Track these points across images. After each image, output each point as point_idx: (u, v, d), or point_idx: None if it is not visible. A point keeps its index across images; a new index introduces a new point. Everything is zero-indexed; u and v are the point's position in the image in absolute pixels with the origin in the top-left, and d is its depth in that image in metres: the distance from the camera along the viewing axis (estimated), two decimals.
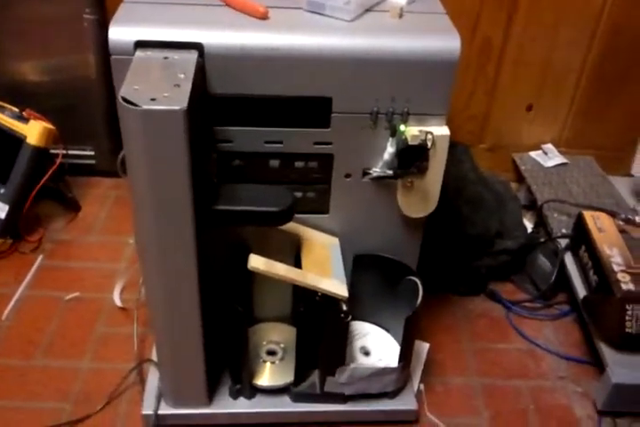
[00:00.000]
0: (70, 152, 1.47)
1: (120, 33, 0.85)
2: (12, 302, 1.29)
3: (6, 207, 1.39)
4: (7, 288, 1.32)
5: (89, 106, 1.53)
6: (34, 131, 1.38)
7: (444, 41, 0.88)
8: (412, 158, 0.93)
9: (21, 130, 1.38)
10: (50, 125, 1.39)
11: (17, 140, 1.38)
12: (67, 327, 1.25)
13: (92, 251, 1.43)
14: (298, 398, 1.08)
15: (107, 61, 0.86)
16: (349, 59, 0.87)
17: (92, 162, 1.61)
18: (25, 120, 1.39)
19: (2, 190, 1.39)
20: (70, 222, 1.51)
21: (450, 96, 0.91)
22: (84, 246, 1.45)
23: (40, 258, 1.40)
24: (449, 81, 0.90)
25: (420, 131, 0.91)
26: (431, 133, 0.91)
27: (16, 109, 1.40)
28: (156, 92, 0.77)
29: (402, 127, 0.92)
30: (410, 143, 0.91)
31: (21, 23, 1.44)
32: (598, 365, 1.20)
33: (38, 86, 1.52)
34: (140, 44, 0.84)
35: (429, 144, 0.91)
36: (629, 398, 1.14)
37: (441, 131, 0.92)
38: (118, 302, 1.29)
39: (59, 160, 1.42)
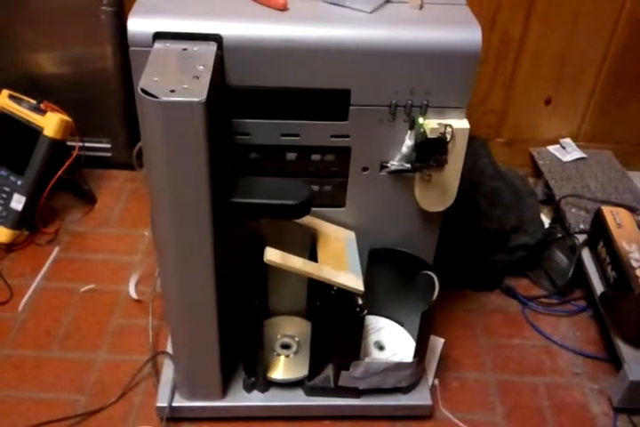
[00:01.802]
0: (86, 144, 1.47)
1: (139, 24, 0.84)
2: (28, 294, 1.30)
3: (23, 199, 1.39)
4: (23, 280, 1.33)
5: (106, 98, 1.53)
6: (51, 123, 1.38)
7: (466, 32, 0.87)
8: (431, 152, 0.92)
9: (38, 122, 1.38)
10: (67, 117, 1.40)
11: (34, 132, 1.39)
12: (82, 319, 1.25)
13: (107, 243, 1.44)
14: (312, 391, 1.08)
15: (124, 54, 0.86)
16: (369, 50, 0.86)
17: (108, 154, 1.61)
18: (42, 112, 1.39)
19: (19, 182, 1.40)
20: (86, 215, 1.51)
21: (471, 89, 0.90)
22: (100, 238, 1.45)
23: (56, 250, 1.40)
24: (470, 73, 0.89)
25: (439, 124, 0.90)
26: (450, 126, 0.90)
27: (33, 101, 1.40)
28: (176, 83, 0.76)
29: (421, 120, 0.91)
30: (429, 136, 0.90)
31: (38, 15, 1.44)
32: (615, 362, 1.19)
33: (55, 78, 1.52)
34: (159, 36, 0.83)
35: (448, 137, 0.90)
36: None
37: (460, 124, 0.91)
38: (134, 295, 1.29)
39: (75, 152, 1.42)
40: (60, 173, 1.41)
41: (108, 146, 1.60)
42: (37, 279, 1.33)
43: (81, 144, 1.43)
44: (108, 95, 1.53)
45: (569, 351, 1.26)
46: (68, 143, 1.43)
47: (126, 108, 1.53)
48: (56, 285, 1.32)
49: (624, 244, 1.23)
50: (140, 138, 0.81)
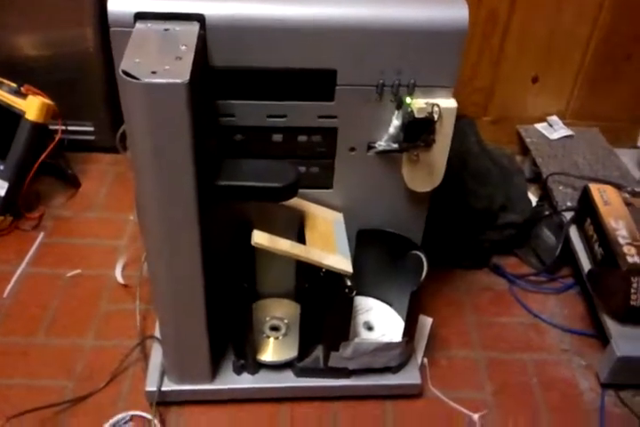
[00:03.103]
0: (69, 128, 1.45)
1: (119, 4, 0.82)
2: (13, 280, 1.29)
3: (6, 184, 1.38)
4: (8, 266, 1.32)
5: (88, 80, 1.51)
6: (32, 106, 1.36)
7: (452, 10, 0.86)
8: (419, 131, 0.91)
9: (20, 105, 1.36)
10: (48, 101, 1.37)
11: (15, 116, 1.37)
12: (69, 305, 1.24)
13: (92, 227, 1.42)
14: (302, 373, 1.08)
15: (105, 35, 0.84)
16: (355, 29, 0.85)
17: (92, 138, 1.59)
18: (23, 95, 1.37)
19: (1, 167, 1.38)
20: (70, 199, 1.50)
21: (458, 68, 0.89)
22: (85, 223, 1.44)
23: (41, 235, 1.39)
24: (457, 52, 0.88)
25: (427, 103, 0.89)
26: (438, 106, 0.89)
27: (14, 85, 1.38)
28: (157, 64, 0.75)
29: (408, 100, 0.90)
30: (416, 116, 0.89)
31: None
32: (602, 338, 1.20)
33: (36, 61, 1.49)
34: (140, 16, 0.82)
35: (436, 117, 0.90)
36: (633, 370, 1.14)
37: (448, 103, 0.91)
38: (120, 279, 1.28)
39: (58, 136, 1.40)
40: (42, 157, 1.39)
41: (91, 129, 1.58)
42: (23, 265, 1.32)
43: (63, 128, 1.41)
44: (89, 77, 1.51)
45: (557, 328, 1.27)
46: (51, 127, 1.41)
47: (109, 90, 1.51)
48: (42, 270, 1.31)
49: (611, 221, 1.23)
50: (123, 120, 0.80)
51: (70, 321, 1.21)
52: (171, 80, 0.73)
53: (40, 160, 1.39)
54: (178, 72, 0.74)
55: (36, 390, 1.09)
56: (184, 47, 0.78)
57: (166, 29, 0.81)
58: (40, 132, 1.39)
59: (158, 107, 0.75)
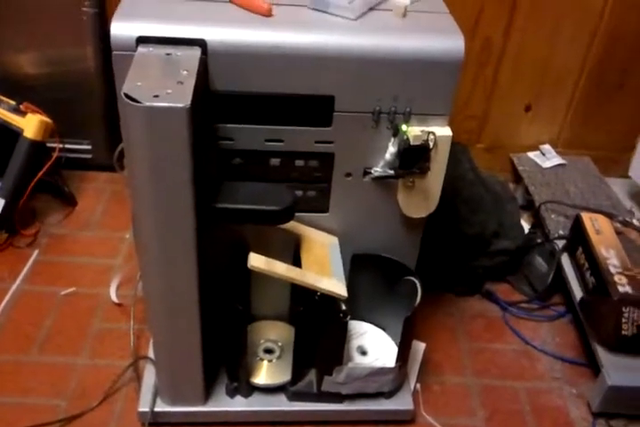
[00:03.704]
0: (67, 146, 1.46)
1: (122, 28, 0.84)
2: (7, 297, 1.28)
3: (2, 201, 1.38)
4: (2, 283, 1.31)
5: (86, 100, 1.52)
6: (31, 124, 1.37)
7: (448, 41, 0.88)
8: (414, 159, 0.92)
9: (18, 123, 1.37)
10: (47, 119, 1.38)
11: (14, 134, 1.37)
12: (62, 323, 1.24)
13: (88, 246, 1.42)
14: (295, 397, 1.08)
15: (105, 55, 0.86)
16: (353, 57, 0.86)
17: (89, 156, 1.60)
18: (22, 113, 1.38)
19: None
20: (66, 217, 1.50)
21: (453, 96, 0.90)
22: (81, 241, 1.44)
23: (36, 253, 1.39)
24: (452, 81, 0.89)
25: (423, 131, 0.91)
26: (433, 134, 0.91)
27: (13, 102, 1.39)
28: (159, 88, 0.76)
29: (404, 127, 0.91)
30: (412, 143, 0.91)
31: (20, 15, 1.42)
32: (594, 366, 1.20)
33: (36, 79, 1.50)
34: (143, 40, 0.83)
35: (431, 144, 0.91)
36: (624, 400, 1.14)
37: (443, 131, 0.92)
38: (115, 298, 1.28)
39: (56, 154, 1.41)
40: (40, 174, 1.40)
41: (89, 147, 1.59)
42: (17, 283, 1.32)
43: (61, 146, 1.42)
44: (88, 96, 1.52)
45: (548, 356, 1.27)
46: (48, 145, 1.41)
47: (107, 109, 1.52)
48: (36, 288, 1.31)
49: (602, 250, 1.24)
50: (120, 139, 0.81)
51: (64, 340, 1.21)
52: (172, 104, 0.75)
53: (37, 178, 1.39)
54: (179, 96, 0.75)
55: (29, 408, 1.08)
56: (185, 72, 0.79)
57: (168, 54, 0.82)
58: (38, 149, 1.39)
59: (159, 130, 0.76)
